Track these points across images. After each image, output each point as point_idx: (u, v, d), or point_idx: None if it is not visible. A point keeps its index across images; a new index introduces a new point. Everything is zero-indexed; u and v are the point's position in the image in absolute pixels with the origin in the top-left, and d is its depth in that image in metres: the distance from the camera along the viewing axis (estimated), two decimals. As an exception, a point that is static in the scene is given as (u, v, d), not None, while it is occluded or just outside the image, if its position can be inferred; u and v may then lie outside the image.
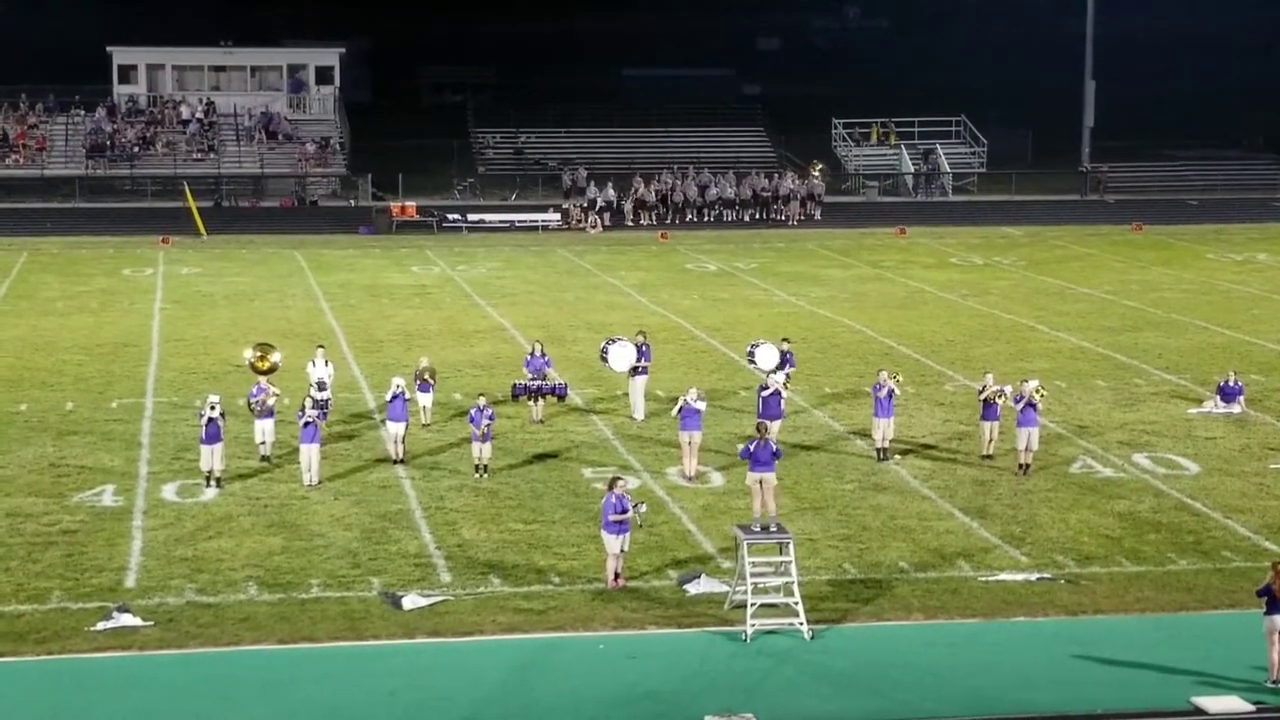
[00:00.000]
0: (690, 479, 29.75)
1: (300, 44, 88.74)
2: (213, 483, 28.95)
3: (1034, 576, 24.78)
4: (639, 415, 34.23)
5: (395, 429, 30.75)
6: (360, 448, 31.97)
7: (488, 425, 29.68)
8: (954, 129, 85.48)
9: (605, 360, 34.54)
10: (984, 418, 31.16)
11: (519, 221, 68.90)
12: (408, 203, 70.05)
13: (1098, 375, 39.11)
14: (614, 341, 34.64)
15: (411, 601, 23.48)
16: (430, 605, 23.41)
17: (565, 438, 32.85)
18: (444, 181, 78.17)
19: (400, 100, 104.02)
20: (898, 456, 31.38)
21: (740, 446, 26.89)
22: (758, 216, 71.43)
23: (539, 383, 33.90)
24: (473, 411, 29.99)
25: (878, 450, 31.34)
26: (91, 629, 22.36)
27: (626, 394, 35.01)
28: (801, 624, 22.38)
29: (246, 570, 24.81)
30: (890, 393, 31.01)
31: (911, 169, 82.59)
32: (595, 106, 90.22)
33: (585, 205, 69.56)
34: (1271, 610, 20.65)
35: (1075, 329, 45.21)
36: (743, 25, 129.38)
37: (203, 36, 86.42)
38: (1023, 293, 51.99)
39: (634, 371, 34.36)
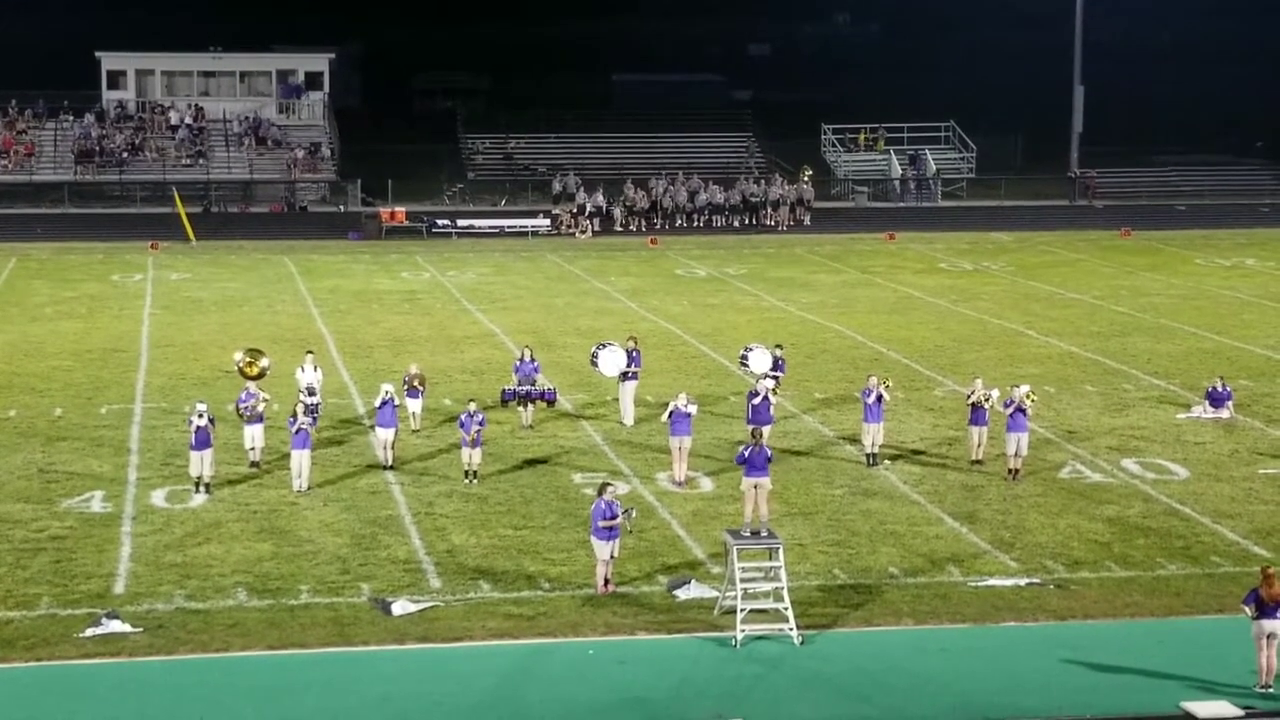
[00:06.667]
0: (680, 484, 29.74)
1: (290, 50, 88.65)
2: (202, 488, 28.91)
3: (1023, 582, 24.80)
4: (629, 420, 34.22)
5: (385, 434, 30.71)
6: (350, 453, 31.94)
7: (477, 430, 29.67)
8: (943, 134, 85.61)
9: (595, 365, 34.57)
10: (972, 423, 31.15)
11: (509, 227, 68.89)
12: (397, 208, 70.10)
13: (1087, 380, 39.15)
14: (604, 347, 34.67)
15: (401, 607, 23.46)
16: (420, 611, 23.39)
17: (555, 443, 32.84)
18: (434, 187, 78.18)
19: (391, 106, 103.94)
20: (887, 462, 31.39)
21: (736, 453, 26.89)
22: (747, 222, 71.50)
23: (529, 388, 33.87)
24: (462, 417, 30.00)
25: (867, 455, 31.34)
26: (80, 635, 22.31)
27: (616, 399, 34.99)
28: (791, 629, 22.38)
29: (236, 576, 24.77)
30: (879, 398, 30.98)
31: (899, 174, 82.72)
32: (585, 112, 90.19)
33: (575, 210, 69.56)
34: (1260, 615, 20.69)
35: (1064, 334, 45.25)
36: (733, 31, 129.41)
37: (192, 42, 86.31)
38: (1012, 298, 52.04)
39: (624, 377, 34.35)
